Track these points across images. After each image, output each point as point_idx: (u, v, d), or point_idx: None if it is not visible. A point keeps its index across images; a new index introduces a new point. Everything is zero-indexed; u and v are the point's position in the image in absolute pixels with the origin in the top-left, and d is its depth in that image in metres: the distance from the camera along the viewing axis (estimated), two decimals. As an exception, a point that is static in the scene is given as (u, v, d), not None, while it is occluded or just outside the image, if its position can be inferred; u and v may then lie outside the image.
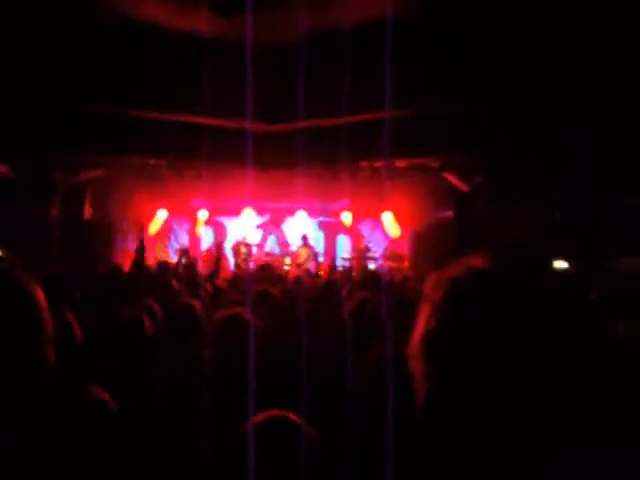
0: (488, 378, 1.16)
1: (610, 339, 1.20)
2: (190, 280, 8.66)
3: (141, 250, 10.09)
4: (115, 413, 1.79)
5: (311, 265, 18.65)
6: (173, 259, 18.15)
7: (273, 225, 21.05)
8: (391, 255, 18.74)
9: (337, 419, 2.52)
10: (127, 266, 13.43)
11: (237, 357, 3.13)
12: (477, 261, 1.26)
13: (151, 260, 17.07)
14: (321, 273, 17.21)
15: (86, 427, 1.67)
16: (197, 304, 4.81)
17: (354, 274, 16.22)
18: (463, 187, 15.74)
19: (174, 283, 7.61)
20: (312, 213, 20.72)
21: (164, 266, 10.46)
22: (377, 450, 1.43)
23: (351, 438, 2.20)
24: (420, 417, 1.26)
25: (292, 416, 2.02)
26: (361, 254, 18.74)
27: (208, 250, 19.98)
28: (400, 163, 15.52)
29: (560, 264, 12.46)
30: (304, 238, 18.99)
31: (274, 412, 2.03)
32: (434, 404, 1.23)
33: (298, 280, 8.50)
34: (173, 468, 2.61)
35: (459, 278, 1.25)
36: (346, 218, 20.27)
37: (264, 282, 7.96)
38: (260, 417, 2.01)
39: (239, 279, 9.66)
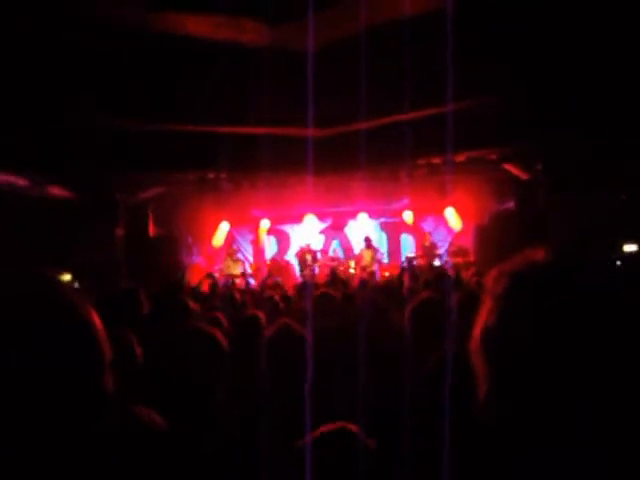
0: (548, 375, 1.13)
1: None
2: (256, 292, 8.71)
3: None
4: (165, 435, 1.78)
5: (376, 267, 18.60)
6: (241, 271, 18.32)
7: (335, 229, 21.06)
8: (456, 250, 18.57)
9: (395, 428, 2.48)
10: (193, 280, 13.63)
11: (288, 367, 3.12)
12: (538, 255, 1.24)
13: (218, 273, 17.28)
14: (386, 274, 17.16)
15: (134, 450, 1.66)
16: (261, 315, 4.81)
17: (420, 272, 16.13)
18: (523, 176, 15.53)
19: (237, 295, 7.65)
20: (373, 214, 20.67)
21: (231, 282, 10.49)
22: (436, 459, 1.39)
23: (409, 448, 2.16)
24: (480, 416, 1.23)
25: (350, 427, 1.99)
26: (428, 251, 18.61)
27: (273, 259, 20.11)
28: (459, 157, 15.39)
29: (629, 247, 12.20)
30: (367, 240, 18.94)
31: (332, 425, 2.00)
32: (494, 402, 1.21)
33: (362, 283, 8.47)
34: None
35: (520, 272, 1.24)
36: (408, 217, 20.18)
37: (327, 286, 7.97)
38: (318, 431, 1.99)
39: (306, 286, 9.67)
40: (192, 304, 6.08)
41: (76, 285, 13.61)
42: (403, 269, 15.56)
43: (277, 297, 7.78)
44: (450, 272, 13.69)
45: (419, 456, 2.00)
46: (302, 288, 8.96)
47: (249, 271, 19.25)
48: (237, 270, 18.24)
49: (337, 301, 4.95)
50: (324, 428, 1.99)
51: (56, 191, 13.99)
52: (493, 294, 1.25)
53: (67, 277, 13.79)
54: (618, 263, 10.69)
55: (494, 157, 15.47)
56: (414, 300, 3.86)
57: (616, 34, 9.37)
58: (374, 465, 1.87)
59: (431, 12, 9.12)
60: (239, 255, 19.98)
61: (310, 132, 12.82)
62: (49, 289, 1.56)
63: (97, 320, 1.60)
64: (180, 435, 1.95)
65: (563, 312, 1.14)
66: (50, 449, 1.45)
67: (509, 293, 1.22)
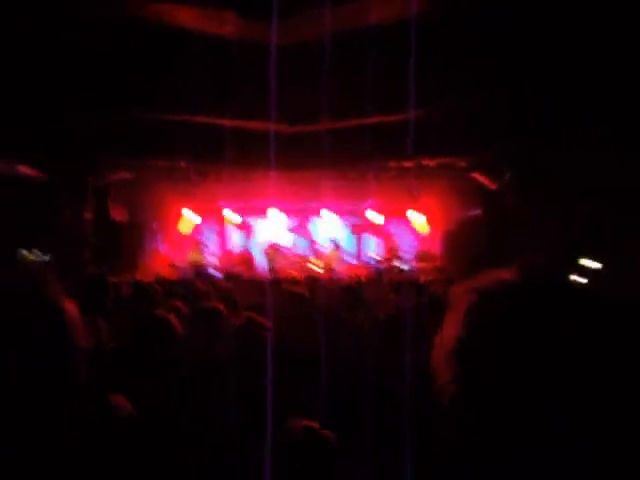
0: (513, 391, 1.16)
1: None
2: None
3: None
4: (136, 422, 1.80)
5: (340, 267, 18.65)
6: (206, 261, 18.30)
7: (302, 226, 21.06)
8: (422, 255, 18.68)
9: (356, 427, 2.51)
10: (157, 268, 13.59)
11: (252, 360, 3.14)
12: (506, 274, 1.27)
13: (184, 262, 17.26)
14: (350, 275, 17.22)
15: (107, 436, 1.67)
16: (222, 307, 4.82)
17: (384, 275, 16.23)
18: (491, 186, 15.65)
19: (199, 285, 7.65)
20: (340, 213, 20.70)
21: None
22: (396, 456, 1.43)
23: (371, 446, 2.20)
24: (444, 425, 1.26)
25: (312, 423, 2.02)
26: (390, 254, 18.69)
27: (237, 251, 20.11)
28: (428, 163, 15.47)
29: (591, 264, 12.35)
30: (333, 239, 18.99)
31: (295, 421, 2.03)
32: (458, 413, 1.24)
33: (315, 282, 8.49)
34: (190, 468, 2.62)
35: (488, 291, 1.26)
36: (374, 218, 20.24)
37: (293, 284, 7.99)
38: (284, 426, 2.01)
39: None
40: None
41: (46, 258, 13.53)
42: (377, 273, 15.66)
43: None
44: (416, 278, 13.79)
45: (379, 452, 2.03)
46: (272, 284, 8.97)
47: (214, 262, 19.22)
48: (200, 260, 18.22)
49: (305, 300, 4.97)
50: (287, 425, 2.01)
51: (25, 170, 13.83)
52: (459, 309, 1.28)
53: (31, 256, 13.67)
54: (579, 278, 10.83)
55: (463, 165, 15.57)
56: (385, 305, 3.89)
57: (585, 44, 9.48)
58: (335, 460, 1.89)
59: (398, 19, 9.17)
60: (204, 246, 19.97)
61: (276, 127, 12.81)
62: (25, 280, 1.56)
63: (73, 311, 1.61)
64: (148, 419, 1.97)
65: (530, 331, 1.17)
66: (28, 440, 1.47)
67: (478, 310, 1.25)
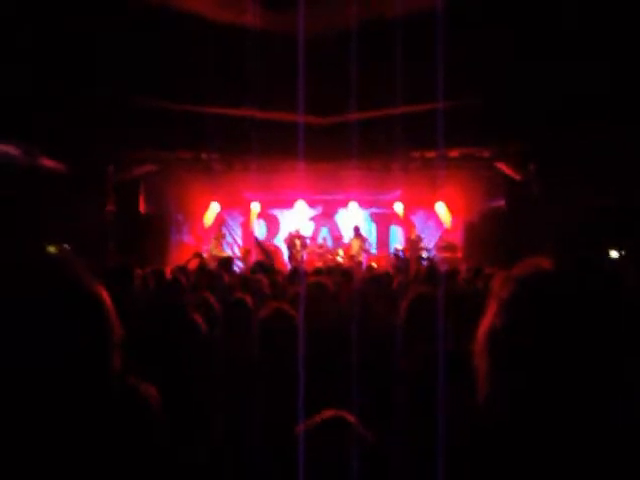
0: (554, 380, 1.15)
1: None
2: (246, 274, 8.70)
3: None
4: (161, 410, 1.80)
5: (364, 256, 18.64)
6: (228, 253, 18.32)
7: (326, 217, 21.06)
8: (445, 245, 18.63)
9: (387, 419, 2.50)
10: (182, 259, 13.62)
11: (281, 351, 3.14)
12: (545, 262, 1.26)
13: (206, 254, 17.29)
14: (374, 264, 17.20)
15: (133, 424, 1.68)
16: (249, 298, 4.83)
17: (408, 265, 16.21)
18: (515, 176, 15.56)
19: (226, 278, 7.66)
20: (364, 204, 20.68)
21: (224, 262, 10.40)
22: (429, 450, 1.42)
23: (401, 438, 2.19)
24: (480, 416, 1.26)
25: (347, 416, 2.00)
26: (413, 245, 18.66)
27: (261, 242, 20.14)
28: (452, 153, 15.43)
29: (614, 254, 12.27)
30: (356, 229, 18.95)
31: (329, 413, 2.02)
32: (496, 403, 1.23)
33: (348, 272, 8.48)
34: (224, 467, 2.63)
35: (527, 278, 1.26)
36: (398, 209, 20.22)
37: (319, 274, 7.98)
38: (315, 419, 2.00)
39: (296, 272, 9.68)
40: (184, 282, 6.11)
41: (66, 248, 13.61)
42: (397, 259, 15.62)
43: (265, 281, 7.81)
44: (440, 267, 13.76)
45: (411, 450, 2.03)
46: (292, 274, 8.97)
47: (238, 254, 19.27)
48: (220, 252, 18.24)
49: (330, 290, 4.96)
50: (321, 415, 2.00)
51: (47, 163, 13.92)
52: (499, 298, 1.27)
53: (52, 248, 13.76)
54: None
55: (487, 155, 15.51)
56: (410, 293, 3.87)
57: (615, 30, 9.40)
58: (370, 458, 1.89)
59: (426, 10, 9.12)
60: (227, 238, 20.02)
61: (303, 119, 12.81)
62: (62, 271, 1.57)
63: (107, 300, 1.61)
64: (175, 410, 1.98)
65: (568, 320, 1.16)
66: (62, 426, 1.48)
67: (516, 299, 1.24)
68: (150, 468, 1.67)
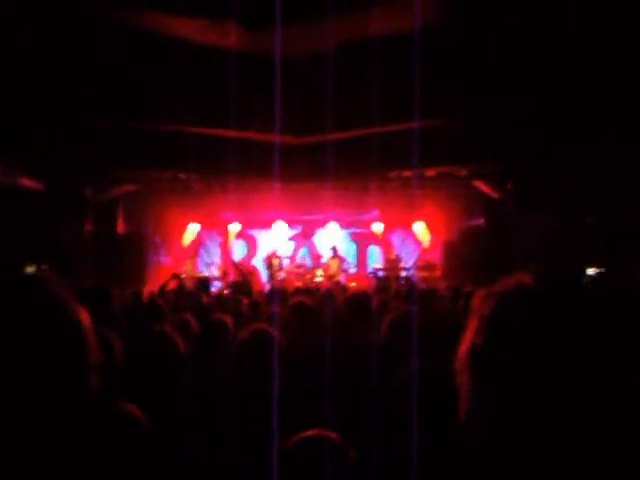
0: (536, 398, 1.15)
1: None
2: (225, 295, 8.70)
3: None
4: (148, 431, 1.79)
5: (342, 277, 18.65)
6: (204, 273, 18.27)
7: (304, 237, 21.07)
8: (423, 265, 18.68)
9: (368, 437, 2.50)
10: (160, 280, 13.57)
11: (261, 372, 3.13)
12: (526, 278, 1.26)
13: (185, 275, 17.22)
14: (353, 284, 17.21)
15: (119, 444, 1.67)
16: (229, 319, 4.81)
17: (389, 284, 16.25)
18: (494, 194, 15.65)
19: (205, 299, 7.65)
20: (343, 224, 20.72)
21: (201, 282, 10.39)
22: (409, 467, 1.42)
23: (381, 455, 2.19)
24: (460, 434, 1.25)
25: (329, 434, 2.00)
26: (392, 264, 18.70)
27: (239, 263, 20.10)
28: (429, 172, 15.49)
29: (591, 271, 12.38)
30: (334, 249, 18.99)
31: (311, 431, 2.02)
32: (476, 422, 1.23)
33: (328, 293, 8.48)
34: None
35: (508, 295, 1.26)
36: (377, 228, 20.27)
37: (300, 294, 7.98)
38: (298, 436, 2.00)
39: (275, 292, 9.67)
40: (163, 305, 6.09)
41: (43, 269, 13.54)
42: (375, 279, 15.66)
43: (245, 301, 7.79)
44: (418, 286, 13.79)
45: (390, 464, 2.02)
46: (271, 294, 8.96)
47: (216, 274, 19.21)
48: (195, 273, 18.21)
49: (312, 310, 4.96)
50: (303, 433, 2.00)
51: (27, 182, 13.87)
52: (480, 314, 1.27)
53: (31, 268, 13.70)
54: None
55: (464, 173, 15.58)
56: (391, 313, 3.88)
57: (583, 51, 9.51)
58: (352, 474, 1.88)
59: (401, 31, 9.19)
60: (205, 258, 20.00)
61: (280, 139, 12.84)
62: (40, 292, 1.56)
63: (86, 321, 1.60)
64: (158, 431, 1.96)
65: (549, 337, 1.16)
66: (38, 444, 1.46)
67: (497, 315, 1.24)
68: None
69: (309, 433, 1.99)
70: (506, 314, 1.23)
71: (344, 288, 13.93)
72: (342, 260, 19.09)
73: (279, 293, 8.37)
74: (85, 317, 1.59)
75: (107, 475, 1.58)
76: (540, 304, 1.21)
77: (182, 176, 16.39)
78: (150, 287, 13.65)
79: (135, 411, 1.78)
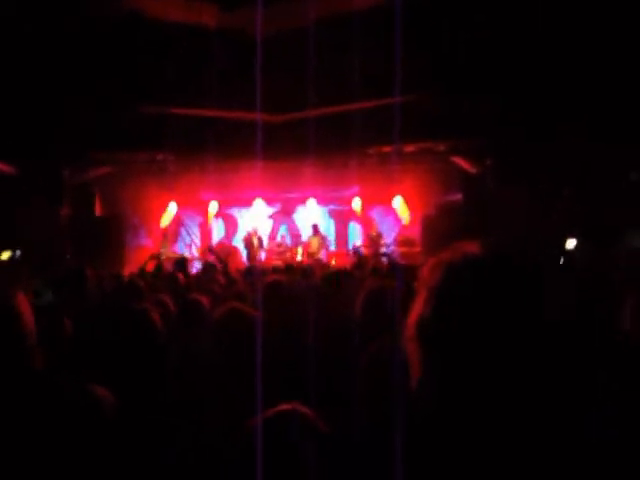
0: (479, 367, 1.15)
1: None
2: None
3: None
4: (115, 411, 1.79)
5: (323, 254, 18.65)
6: (183, 253, 18.22)
7: (284, 215, 21.02)
8: (403, 240, 18.71)
9: (344, 411, 2.51)
10: (139, 262, 13.52)
11: (238, 351, 3.13)
12: (473, 247, 1.26)
13: (164, 256, 17.18)
14: (333, 262, 17.22)
15: (86, 425, 1.67)
16: (204, 299, 4.80)
17: (367, 261, 16.29)
18: (472, 170, 15.69)
19: (181, 278, 7.64)
20: (322, 201, 20.68)
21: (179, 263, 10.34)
22: (384, 441, 1.42)
23: (358, 430, 2.20)
24: (413, 404, 1.26)
25: (302, 409, 2.01)
26: (373, 241, 18.71)
27: (219, 243, 20.05)
28: (408, 148, 15.50)
29: (571, 243, 12.46)
30: (314, 227, 18.96)
31: (284, 406, 2.02)
32: (425, 391, 1.23)
33: (307, 270, 8.48)
34: (178, 464, 2.62)
35: (454, 264, 1.25)
36: (356, 205, 20.24)
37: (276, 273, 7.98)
38: (270, 411, 2.00)
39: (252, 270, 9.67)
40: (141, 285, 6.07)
41: (17, 255, 13.48)
42: (355, 256, 15.67)
43: (221, 281, 7.79)
44: (398, 261, 13.80)
45: (367, 441, 2.03)
46: (248, 272, 8.95)
47: (196, 254, 19.16)
48: (171, 253, 18.13)
49: (286, 288, 4.96)
50: (275, 409, 2.00)
51: (1, 167, 13.75)
52: (427, 284, 1.27)
53: (6, 253, 13.64)
54: (562, 260, 10.89)
55: (442, 149, 15.61)
56: (365, 288, 3.88)
57: (563, 29, 9.52)
58: (326, 448, 1.89)
59: (381, 6, 9.15)
60: (185, 238, 19.95)
61: (259, 117, 12.78)
62: None
63: (21, 304, 1.64)
64: (129, 410, 1.96)
65: (493, 305, 1.16)
66: None
67: (441, 284, 1.24)
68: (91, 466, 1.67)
69: (279, 408, 2.00)
70: (452, 285, 1.23)
71: (324, 265, 13.94)
72: (323, 238, 19.08)
73: (254, 272, 8.37)
74: (22, 302, 1.64)
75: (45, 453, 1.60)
76: (485, 274, 1.20)
77: (160, 157, 16.32)
78: (130, 269, 13.61)
79: (103, 392, 1.79)
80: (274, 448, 1.87)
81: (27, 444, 1.56)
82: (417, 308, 1.27)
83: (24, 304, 1.66)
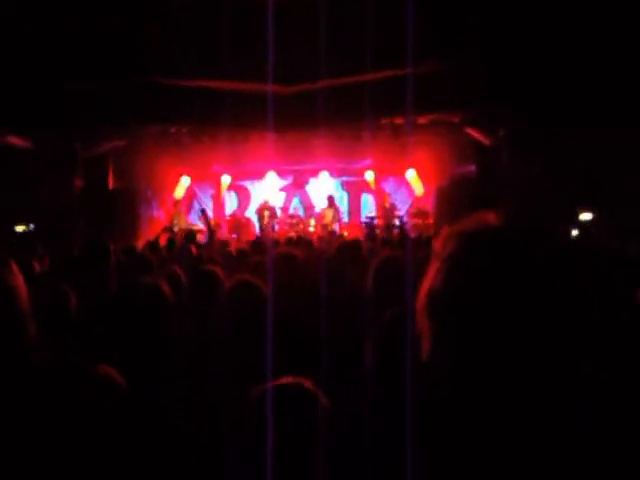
0: (490, 340, 1.13)
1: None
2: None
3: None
4: (122, 391, 1.78)
5: (336, 226, 18.64)
6: (196, 225, 18.24)
7: (297, 187, 20.98)
8: (416, 212, 18.66)
9: (354, 384, 2.50)
10: (153, 234, 13.56)
11: (249, 323, 3.12)
12: (490, 218, 1.23)
13: (176, 228, 17.23)
14: (346, 233, 17.20)
15: (92, 406, 1.66)
16: (218, 270, 4.78)
17: (379, 232, 16.29)
18: (485, 142, 15.58)
19: (194, 249, 7.64)
20: (335, 173, 20.61)
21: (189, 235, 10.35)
22: (393, 418, 1.40)
23: (366, 405, 2.18)
24: (424, 375, 1.24)
25: (306, 383, 2.00)
26: (387, 213, 18.67)
27: (232, 215, 20.05)
28: (421, 119, 15.42)
29: (585, 216, 12.38)
30: (330, 199, 18.94)
31: (288, 379, 2.01)
32: (436, 361, 1.21)
33: (322, 241, 8.47)
34: (184, 437, 2.62)
35: (470, 234, 1.22)
36: (369, 177, 20.18)
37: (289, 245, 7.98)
38: (273, 384, 2.00)
39: (261, 242, 9.65)
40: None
41: (31, 228, 13.57)
42: (368, 228, 15.66)
43: (233, 252, 7.78)
44: (410, 233, 13.78)
45: (377, 414, 2.02)
46: (257, 244, 8.94)
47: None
48: (186, 224, 18.17)
49: (298, 260, 4.95)
50: (277, 381, 2.00)
51: (14, 140, 13.76)
52: (441, 254, 1.24)
53: (21, 227, 13.73)
54: (574, 232, 10.83)
55: (456, 120, 15.52)
56: (377, 259, 3.86)
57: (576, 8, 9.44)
58: (327, 422, 1.89)
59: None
60: (194, 209, 19.96)
61: (271, 88, 12.71)
62: None
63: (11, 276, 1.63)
64: (137, 391, 1.95)
65: (509, 277, 1.13)
66: None
67: (457, 254, 1.21)
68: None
69: (283, 380, 1.99)
70: (468, 254, 1.19)
71: (338, 237, 13.93)
72: (337, 209, 19.07)
73: (263, 243, 8.38)
74: (14, 275, 1.62)
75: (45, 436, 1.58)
76: (501, 244, 1.17)
77: (172, 130, 16.31)
78: (143, 241, 13.64)
79: (110, 371, 1.77)
80: (277, 419, 1.87)
81: (20, 434, 1.54)
82: (430, 279, 1.24)
83: (17, 277, 1.64)
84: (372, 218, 18.56)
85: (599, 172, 12.23)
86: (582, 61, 10.78)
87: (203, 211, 13.99)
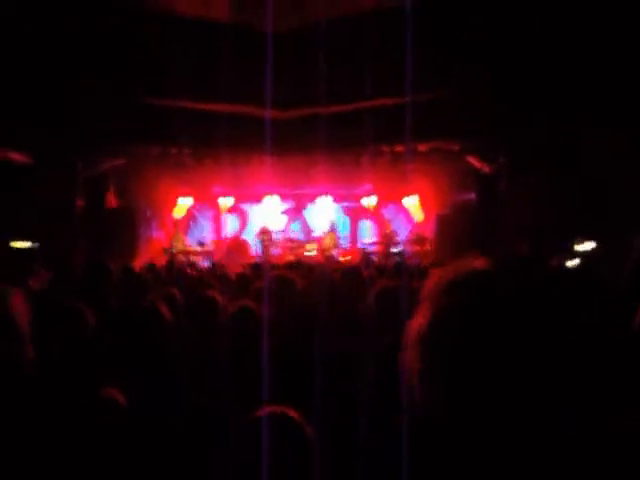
0: (476, 383, 1.15)
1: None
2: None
3: None
4: (125, 414, 1.80)
5: (335, 251, 18.66)
6: (193, 247, 18.28)
7: (297, 211, 21.02)
8: (415, 239, 18.69)
9: (345, 414, 2.51)
10: (151, 254, 13.57)
11: (247, 348, 3.13)
12: (478, 262, 1.26)
13: (175, 250, 17.26)
14: (345, 259, 17.22)
15: (96, 427, 1.68)
16: (217, 295, 4.79)
17: (377, 259, 16.32)
18: (485, 169, 15.64)
19: (191, 273, 7.64)
20: (336, 198, 20.66)
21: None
22: (387, 445, 1.42)
23: (361, 431, 2.20)
24: (414, 412, 1.26)
25: (290, 412, 2.02)
26: (387, 239, 18.71)
27: (231, 238, 20.07)
28: (421, 147, 15.48)
29: (585, 246, 12.36)
30: (332, 225, 19.04)
31: (272, 408, 2.03)
32: (431, 399, 1.23)
33: (320, 267, 8.47)
34: (182, 457, 2.62)
35: (458, 280, 1.25)
36: (369, 202, 20.23)
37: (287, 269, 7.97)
38: (258, 413, 2.02)
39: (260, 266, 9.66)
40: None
41: (34, 245, 13.57)
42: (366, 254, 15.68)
43: (233, 276, 7.78)
44: (409, 260, 13.79)
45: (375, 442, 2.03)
46: (255, 269, 8.94)
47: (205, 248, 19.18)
48: (184, 247, 18.20)
49: (295, 284, 4.95)
50: (263, 411, 2.01)
51: (15, 157, 13.79)
52: (429, 296, 1.27)
53: (25, 243, 13.72)
54: (571, 263, 10.81)
55: (456, 148, 15.58)
56: (376, 287, 3.88)
57: (571, 29, 9.50)
58: (310, 452, 1.90)
59: (396, 4, 9.13)
60: (196, 233, 19.98)
61: (272, 113, 12.79)
62: None
63: (15, 302, 1.66)
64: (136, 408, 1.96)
65: (499, 322, 1.16)
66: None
67: (445, 298, 1.24)
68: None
69: (267, 410, 2.01)
70: (451, 300, 1.22)
71: (338, 262, 13.94)
72: (337, 235, 19.14)
73: (261, 268, 8.38)
74: (21, 306, 1.65)
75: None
76: (486, 291, 1.20)
77: (173, 150, 16.36)
78: (141, 261, 13.64)
79: (114, 394, 1.79)
80: (262, 449, 1.88)
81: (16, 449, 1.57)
82: (417, 320, 1.27)
83: (19, 305, 1.68)
84: (370, 244, 18.61)
85: (601, 201, 12.25)
86: (583, 89, 10.85)
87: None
